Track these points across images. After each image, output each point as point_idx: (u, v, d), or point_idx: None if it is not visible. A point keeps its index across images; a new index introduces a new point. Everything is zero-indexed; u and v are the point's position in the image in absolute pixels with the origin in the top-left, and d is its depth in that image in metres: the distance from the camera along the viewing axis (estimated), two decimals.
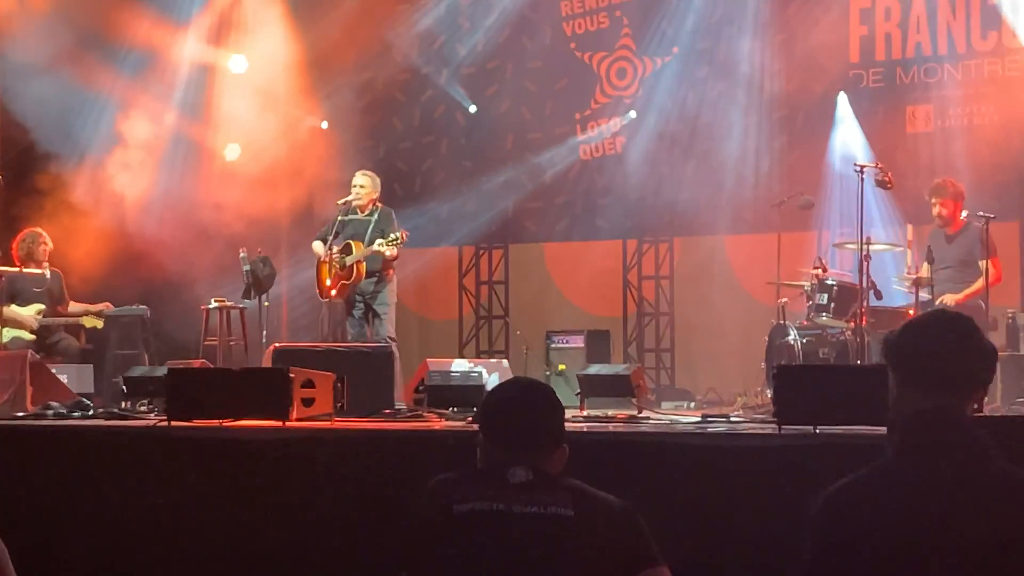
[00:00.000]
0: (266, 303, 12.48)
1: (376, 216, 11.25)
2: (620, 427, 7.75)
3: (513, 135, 15.08)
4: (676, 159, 13.98)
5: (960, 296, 10.28)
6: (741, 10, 13.78)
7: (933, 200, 10.61)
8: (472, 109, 15.19)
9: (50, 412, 8.77)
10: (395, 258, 11.15)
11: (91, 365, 11.18)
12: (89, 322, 11.71)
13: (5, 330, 11.23)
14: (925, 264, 10.45)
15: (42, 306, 11.62)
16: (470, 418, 7.83)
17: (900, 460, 2.97)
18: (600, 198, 14.68)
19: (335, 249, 11.19)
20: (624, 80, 14.56)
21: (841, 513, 2.94)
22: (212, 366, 10.78)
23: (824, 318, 10.59)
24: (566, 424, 3.65)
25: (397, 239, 10.84)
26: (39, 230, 11.97)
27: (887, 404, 3.10)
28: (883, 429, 3.14)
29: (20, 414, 8.83)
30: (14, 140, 13.78)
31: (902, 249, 11.45)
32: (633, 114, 14.38)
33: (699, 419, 8.39)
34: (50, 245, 11.88)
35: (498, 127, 15.11)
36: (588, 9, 14.74)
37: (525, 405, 3.57)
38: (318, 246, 11.42)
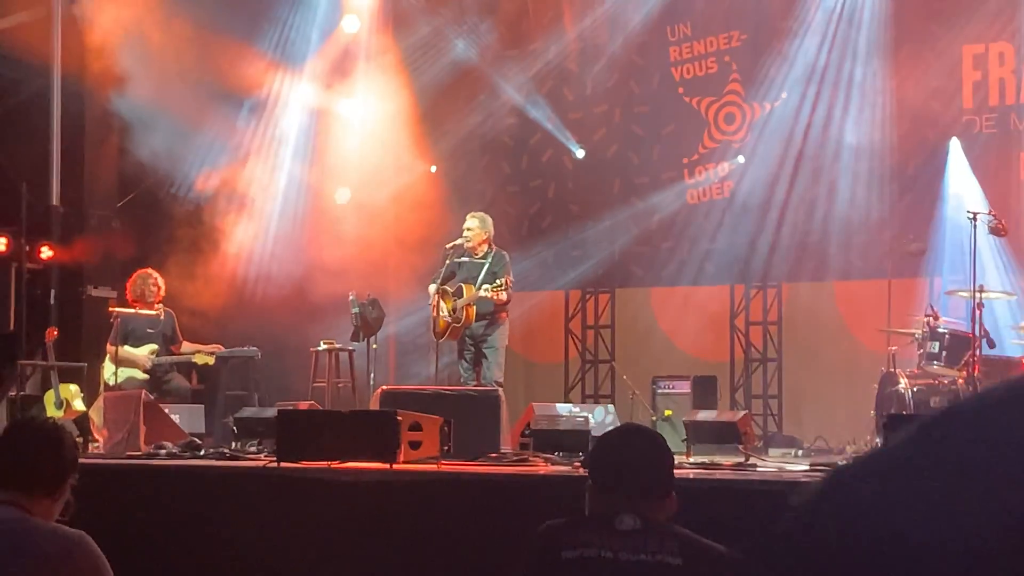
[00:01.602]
0: (374, 346, 12.57)
1: (490, 259, 11.29)
2: (728, 474, 7.68)
3: (620, 179, 15.09)
4: (784, 204, 13.87)
5: None
6: (851, 56, 13.69)
7: None
8: (580, 153, 15.23)
9: (163, 452, 8.90)
10: (507, 302, 11.16)
11: (202, 405, 11.32)
12: (201, 359, 11.83)
13: (120, 370, 11.44)
14: None
15: (155, 346, 11.78)
16: (576, 463, 7.81)
17: None
18: (707, 243, 14.58)
19: (448, 292, 11.26)
20: (732, 125, 14.51)
21: None
22: (320, 408, 10.88)
23: (936, 366, 10.44)
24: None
25: (501, 284, 10.86)
26: (150, 271, 12.13)
27: None
28: None
29: (134, 453, 8.98)
30: (134, 183, 14.09)
31: (1016, 297, 11.26)
32: (741, 159, 14.31)
33: (808, 467, 8.29)
34: (162, 286, 12.01)
35: (605, 171, 15.13)
36: (697, 54, 14.72)
37: (635, 452, 3.57)
38: (432, 289, 11.48)
